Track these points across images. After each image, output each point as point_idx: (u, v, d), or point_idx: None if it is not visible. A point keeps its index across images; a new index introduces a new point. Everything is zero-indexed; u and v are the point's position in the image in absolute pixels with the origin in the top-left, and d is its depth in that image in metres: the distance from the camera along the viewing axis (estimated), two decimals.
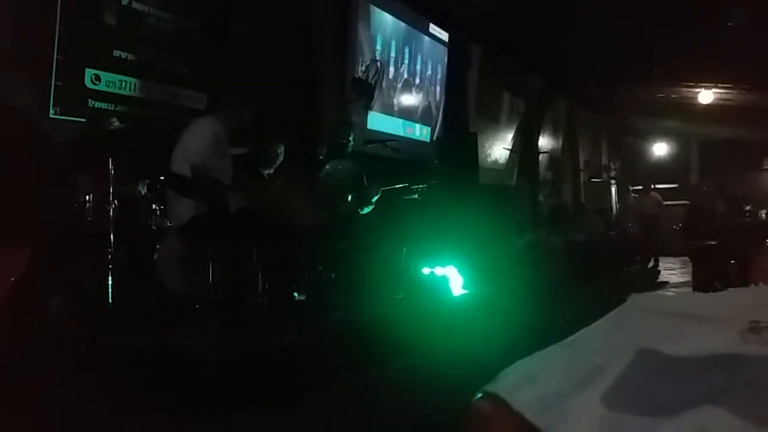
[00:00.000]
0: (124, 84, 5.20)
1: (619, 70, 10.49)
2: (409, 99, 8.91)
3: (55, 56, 4.69)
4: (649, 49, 9.05)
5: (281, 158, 5.22)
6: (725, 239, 7.34)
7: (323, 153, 5.62)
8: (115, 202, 4.13)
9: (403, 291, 5.31)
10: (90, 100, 4.97)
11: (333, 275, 5.08)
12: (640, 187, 14.41)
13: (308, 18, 7.07)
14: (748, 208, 9.57)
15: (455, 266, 5.83)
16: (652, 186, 14.10)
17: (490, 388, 0.97)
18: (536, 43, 9.70)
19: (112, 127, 4.69)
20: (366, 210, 5.50)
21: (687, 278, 9.08)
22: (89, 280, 4.00)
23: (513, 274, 6.29)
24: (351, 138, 5.62)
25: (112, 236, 4.07)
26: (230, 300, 4.07)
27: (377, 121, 8.03)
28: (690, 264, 8.50)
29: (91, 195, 4.18)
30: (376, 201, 5.55)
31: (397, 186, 5.83)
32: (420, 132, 9.18)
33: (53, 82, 4.69)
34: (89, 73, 4.96)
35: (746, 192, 10.69)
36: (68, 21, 4.73)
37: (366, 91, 7.77)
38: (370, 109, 7.90)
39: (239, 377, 3.27)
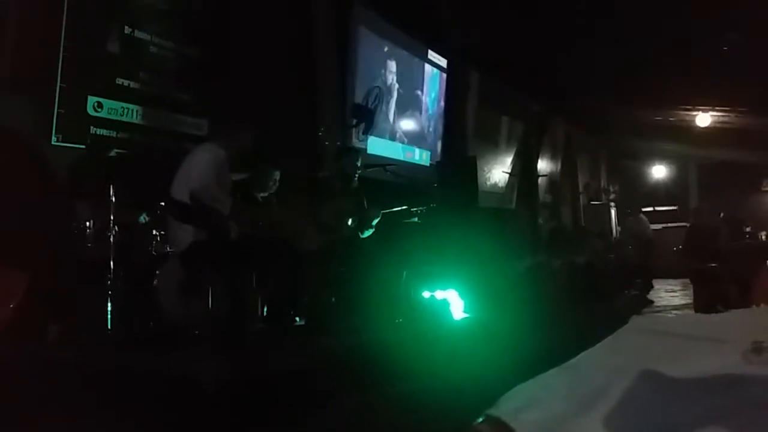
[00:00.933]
0: (126, 111, 5.24)
1: (616, 94, 10.56)
2: (409, 124, 8.98)
3: (58, 84, 4.73)
4: (646, 73, 9.12)
5: (276, 184, 5.22)
6: (726, 261, 7.34)
7: (325, 178, 5.64)
8: (116, 228, 4.14)
9: (403, 315, 5.29)
10: (92, 127, 5.00)
11: (333, 299, 5.06)
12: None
13: (308, 44, 7.15)
14: (748, 229, 9.59)
15: (456, 290, 5.81)
16: (642, 209, 14.15)
17: (493, 411, 0.97)
18: (534, 67, 9.79)
19: (112, 154, 4.73)
20: (366, 233, 5.50)
21: (688, 300, 9.04)
22: (89, 306, 3.99)
23: (514, 298, 6.27)
24: (359, 164, 5.64)
25: (112, 262, 4.07)
26: (230, 325, 4.06)
27: (377, 146, 8.08)
28: (691, 286, 8.48)
29: (91, 221, 4.19)
30: (377, 224, 5.55)
31: (396, 209, 5.84)
32: (419, 156, 9.23)
33: (56, 110, 4.73)
34: (91, 100, 5.00)
35: (746, 214, 10.72)
36: (71, 49, 4.79)
37: (366, 117, 7.83)
38: (370, 134, 7.95)
39: (239, 402, 3.25)
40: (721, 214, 10.13)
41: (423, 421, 3.23)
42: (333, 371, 3.84)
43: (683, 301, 9.66)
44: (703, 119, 11.50)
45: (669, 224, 14.57)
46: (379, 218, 5.55)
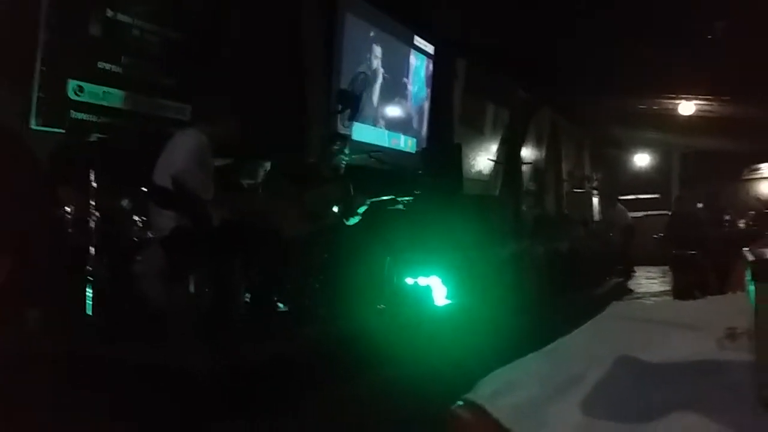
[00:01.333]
0: (107, 95, 5.17)
1: (601, 82, 10.61)
2: (394, 110, 8.96)
3: (38, 67, 4.65)
4: (630, 61, 9.16)
5: (264, 171, 5.19)
6: (705, 249, 7.44)
7: (312, 164, 5.62)
8: (97, 213, 4.09)
9: (386, 301, 5.30)
10: (72, 111, 4.93)
11: (316, 286, 5.06)
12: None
13: (295, 29, 7.09)
14: (727, 217, 9.71)
15: (439, 276, 5.83)
16: (620, 197, 14.31)
17: (470, 395, 0.97)
18: (520, 55, 9.79)
19: (93, 139, 4.66)
20: (352, 221, 5.48)
21: (667, 287, 9.16)
22: (69, 292, 3.95)
23: (496, 284, 6.31)
24: (347, 150, 5.61)
25: (93, 248, 4.03)
26: (213, 312, 4.04)
27: (363, 132, 8.05)
28: (670, 273, 8.59)
29: (72, 207, 4.14)
30: (363, 212, 5.53)
31: (383, 198, 5.81)
32: (405, 143, 9.22)
33: (36, 94, 4.65)
34: (72, 84, 4.92)
35: (726, 202, 10.85)
36: (52, 32, 4.70)
37: (352, 103, 7.80)
38: (356, 120, 7.93)
39: (221, 389, 3.25)
40: (702, 203, 10.25)
41: (405, 406, 3.26)
42: (316, 358, 3.85)
43: (662, 288, 9.79)
44: (687, 107, 11.60)
45: (651, 212, 14.69)
46: (366, 207, 5.52)
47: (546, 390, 0.95)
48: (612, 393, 0.95)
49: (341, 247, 5.07)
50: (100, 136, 4.77)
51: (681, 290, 7.27)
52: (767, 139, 12.04)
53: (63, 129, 4.75)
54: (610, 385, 0.96)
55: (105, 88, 5.15)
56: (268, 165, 5.17)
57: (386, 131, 8.74)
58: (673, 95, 11.46)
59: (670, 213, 9.99)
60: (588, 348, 1.10)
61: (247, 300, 4.46)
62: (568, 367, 1.01)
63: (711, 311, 1.29)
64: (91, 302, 3.91)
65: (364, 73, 8.04)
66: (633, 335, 1.14)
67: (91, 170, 4.13)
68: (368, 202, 5.54)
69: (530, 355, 1.08)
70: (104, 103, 5.15)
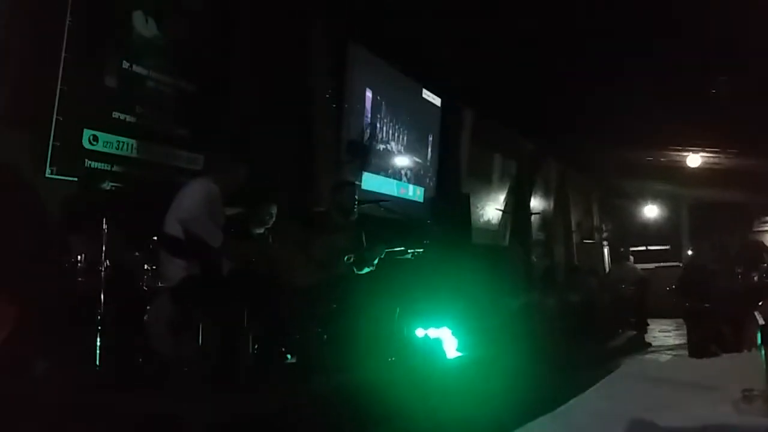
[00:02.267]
0: (121, 145, 5.26)
1: (608, 134, 10.68)
2: (403, 160, 9.05)
3: (54, 116, 4.75)
4: (637, 113, 9.25)
5: (273, 218, 5.22)
6: (719, 302, 7.34)
7: (322, 213, 5.62)
8: (108, 262, 4.10)
9: (396, 353, 5.23)
10: (87, 160, 5.01)
11: (325, 337, 5.01)
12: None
13: (304, 80, 7.24)
14: (740, 270, 9.60)
15: (449, 327, 5.77)
16: (632, 249, 14.20)
17: None
18: (527, 106, 9.91)
19: (107, 187, 4.72)
20: (365, 270, 5.42)
21: (682, 341, 8.99)
22: (78, 342, 3.94)
23: (507, 336, 6.23)
24: (356, 198, 5.62)
25: (102, 297, 4.03)
26: (220, 362, 4.00)
27: (371, 182, 8.12)
28: (685, 326, 8.45)
29: (83, 255, 4.16)
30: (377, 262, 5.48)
31: (396, 249, 5.77)
32: (413, 192, 9.27)
33: (51, 142, 4.74)
34: (87, 133, 5.02)
35: (738, 254, 10.75)
36: (69, 82, 4.82)
37: (361, 153, 7.89)
38: (365, 170, 8.00)
39: None
40: (713, 255, 10.16)
41: None
42: (324, 411, 3.79)
43: (677, 341, 9.61)
44: (694, 160, 11.65)
45: (661, 264, 14.58)
46: (382, 256, 5.48)
47: None
48: None
49: (350, 297, 5.04)
50: (114, 185, 4.83)
51: (696, 343, 7.14)
52: None
53: (77, 178, 4.82)
54: None
55: (119, 138, 5.24)
56: (274, 208, 5.19)
57: (395, 180, 8.81)
58: (680, 147, 11.51)
59: (681, 265, 9.90)
60: (602, 409, 1.08)
61: (255, 350, 4.41)
62: (582, 429, 1.00)
63: (726, 371, 1.27)
64: (99, 352, 3.89)
65: (372, 124, 8.16)
66: (648, 397, 1.12)
67: (102, 219, 4.16)
68: (384, 251, 5.49)
69: (541, 418, 1.06)
70: (119, 152, 5.24)
